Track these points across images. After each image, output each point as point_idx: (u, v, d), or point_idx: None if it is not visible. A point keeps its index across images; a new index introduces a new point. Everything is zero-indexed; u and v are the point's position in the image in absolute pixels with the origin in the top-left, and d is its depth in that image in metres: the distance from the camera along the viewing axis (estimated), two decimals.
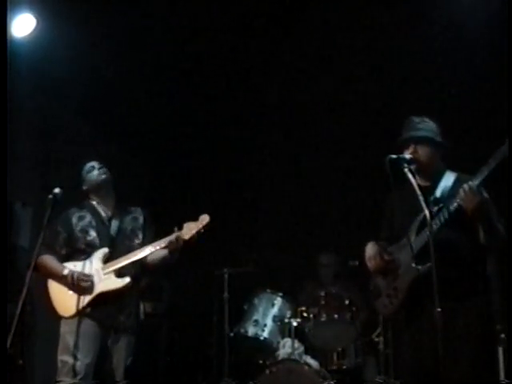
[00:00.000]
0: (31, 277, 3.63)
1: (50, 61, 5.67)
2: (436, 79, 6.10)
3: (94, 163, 4.56)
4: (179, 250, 4.29)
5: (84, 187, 4.59)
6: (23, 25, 5.17)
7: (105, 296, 4.26)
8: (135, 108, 6.82)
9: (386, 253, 3.80)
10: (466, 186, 3.45)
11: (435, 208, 3.58)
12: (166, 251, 4.31)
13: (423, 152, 3.75)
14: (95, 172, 4.53)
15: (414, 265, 3.61)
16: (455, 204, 3.50)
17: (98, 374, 4.20)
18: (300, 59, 6.28)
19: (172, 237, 4.25)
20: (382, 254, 3.81)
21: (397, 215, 3.89)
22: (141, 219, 4.62)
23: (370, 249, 3.89)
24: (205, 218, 4.26)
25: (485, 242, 3.57)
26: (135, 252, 4.34)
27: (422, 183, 3.66)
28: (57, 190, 3.89)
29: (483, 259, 3.69)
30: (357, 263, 5.36)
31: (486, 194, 3.51)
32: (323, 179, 7.29)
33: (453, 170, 3.82)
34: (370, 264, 3.86)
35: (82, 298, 4.23)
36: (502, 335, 5.21)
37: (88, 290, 4.25)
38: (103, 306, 4.25)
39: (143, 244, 4.42)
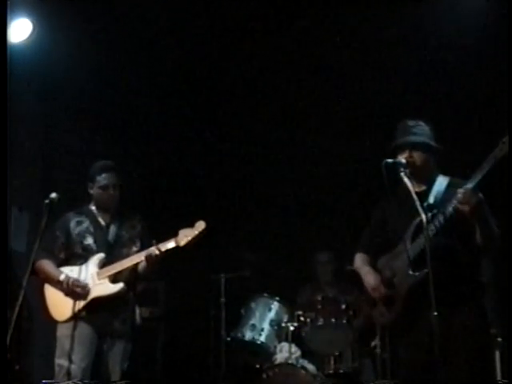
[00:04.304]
0: (28, 282, 3.63)
1: (47, 65, 5.67)
2: (431, 83, 6.12)
3: (108, 174, 4.53)
4: (156, 264, 4.29)
5: (90, 191, 4.58)
6: (20, 30, 5.17)
7: (99, 301, 4.28)
8: (132, 113, 6.83)
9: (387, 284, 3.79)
10: (461, 189, 3.46)
11: (429, 214, 3.57)
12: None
13: (418, 157, 3.75)
14: (107, 181, 4.52)
15: (410, 272, 3.62)
16: (450, 209, 3.50)
17: (94, 378, 4.21)
18: (298, 63, 6.28)
19: (149, 250, 4.26)
20: (384, 283, 3.80)
21: (390, 222, 3.89)
22: (139, 227, 4.62)
23: (372, 279, 3.87)
24: (200, 225, 4.26)
25: (481, 244, 3.57)
26: (130, 258, 4.35)
27: (416, 188, 3.65)
28: (53, 195, 3.89)
29: (478, 263, 3.70)
30: (353, 268, 5.36)
31: (481, 196, 3.51)
32: (320, 183, 7.30)
33: (445, 174, 3.83)
34: (375, 294, 3.84)
35: (76, 302, 4.25)
36: (499, 339, 5.23)
37: (82, 295, 4.27)
38: (98, 312, 4.27)
39: (141, 251, 4.42)
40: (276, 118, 6.93)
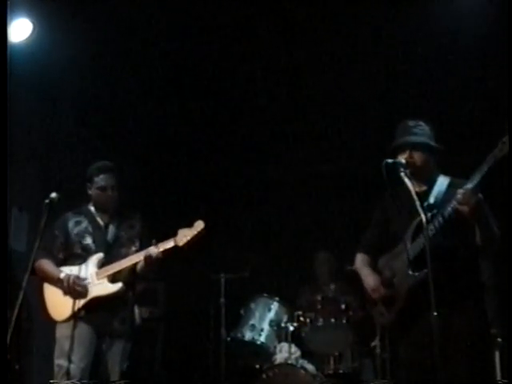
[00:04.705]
0: (28, 281, 3.63)
1: (47, 65, 5.67)
2: (431, 83, 6.12)
3: (106, 175, 4.53)
4: (155, 264, 4.29)
5: (89, 191, 4.58)
6: (20, 30, 5.17)
7: (98, 301, 4.28)
8: (131, 113, 6.83)
9: (384, 283, 3.79)
10: (461, 190, 3.46)
11: (429, 214, 3.56)
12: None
13: (419, 157, 3.74)
14: (105, 183, 4.51)
15: (410, 272, 3.62)
16: (449, 209, 3.50)
17: (93, 378, 4.21)
18: (300, 62, 6.27)
19: (148, 250, 4.26)
20: (384, 284, 3.80)
21: (390, 222, 3.89)
22: (138, 226, 4.61)
23: (372, 280, 3.86)
24: (199, 225, 4.27)
25: (481, 244, 3.56)
26: (129, 257, 4.36)
27: (417, 188, 3.64)
28: (53, 195, 3.88)
29: (478, 264, 3.69)
30: (353, 268, 5.36)
31: (481, 196, 3.50)
32: (320, 184, 7.31)
33: (446, 174, 3.83)
34: (375, 295, 3.83)
35: (75, 302, 4.25)
36: (499, 339, 5.23)
37: (82, 294, 4.27)
38: (97, 311, 4.27)
39: (140, 251, 4.41)
40: (276, 117, 6.93)
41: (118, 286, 4.31)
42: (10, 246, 5.27)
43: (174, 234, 4.27)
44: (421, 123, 3.85)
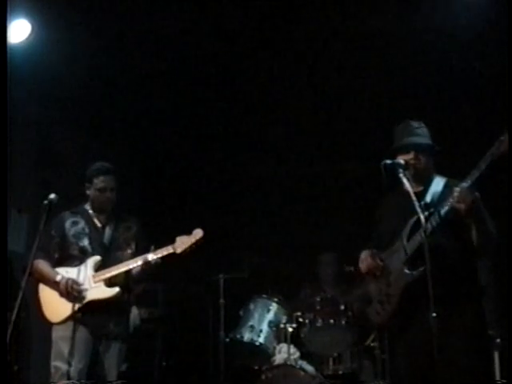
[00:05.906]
0: (26, 282, 3.63)
1: (45, 66, 5.67)
2: (430, 82, 6.13)
3: (106, 177, 4.53)
4: (152, 270, 4.31)
5: (87, 191, 4.58)
6: (18, 31, 5.17)
7: (94, 304, 4.28)
8: (131, 115, 6.83)
9: (378, 257, 3.81)
10: (457, 188, 3.46)
11: (426, 213, 3.55)
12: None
13: (424, 159, 3.74)
14: (104, 184, 4.52)
15: (406, 270, 3.62)
16: (446, 208, 3.50)
17: (90, 379, 4.21)
18: (300, 62, 6.27)
19: (146, 256, 4.26)
20: (373, 256, 3.82)
21: (387, 221, 3.89)
22: (134, 229, 4.61)
23: (363, 253, 3.90)
24: (198, 233, 4.28)
25: (478, 244, 3.56)
26: (126, 262, 4.35)
27: (414, 188, 3.62)
28: (52, 196, 3.89)
29: (475, 263, 3.69)
30: (352, 269, 5.37)
31: (477, 194, 3.50)
32: (320, 185, 7.30)
33: (442, 174, 3.83)
34: (362, 266, 3.87)
35: (71, 304, 4.25)
36: (498, 340, 5.23)
37: (79, 297, 4.27)
38: (93, 314, 4.27)
39: (136, 254, 4.42)
40: (277, 118, 6.93)
41: (115, 290, 4.31)
42: (8, 248, 5.27)
43: (172, 241, 4.28)
44: (422, 124, 3.85)
